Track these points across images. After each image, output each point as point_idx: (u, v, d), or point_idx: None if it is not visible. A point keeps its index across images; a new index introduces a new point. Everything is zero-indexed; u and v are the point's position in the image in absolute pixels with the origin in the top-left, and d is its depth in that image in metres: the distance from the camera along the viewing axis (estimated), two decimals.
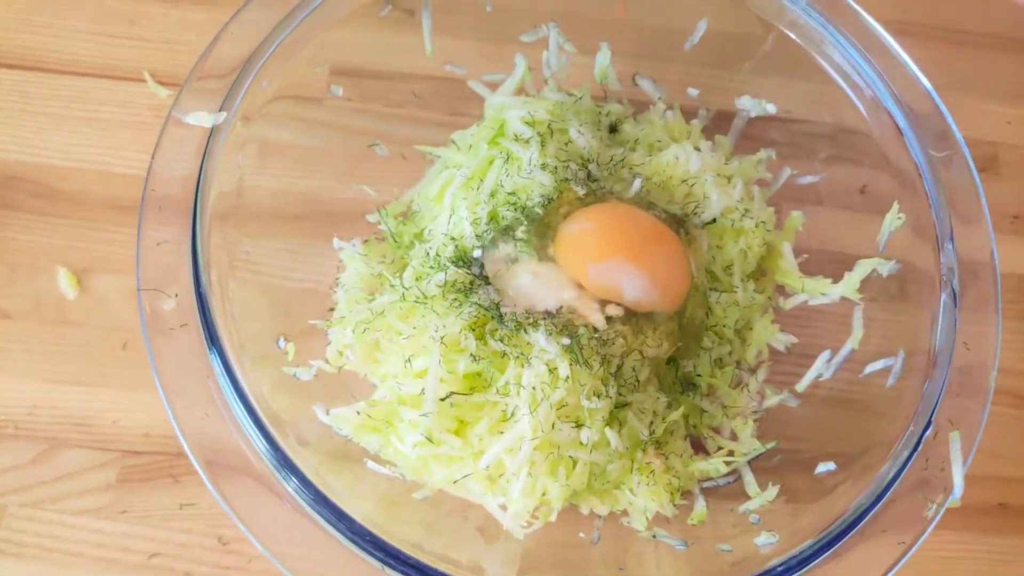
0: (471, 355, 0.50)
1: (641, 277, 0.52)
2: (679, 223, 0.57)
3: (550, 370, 0.49)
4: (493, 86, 0.63)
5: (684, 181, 0.58)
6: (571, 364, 0.49)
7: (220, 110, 0.51)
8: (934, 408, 0.45)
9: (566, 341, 0.50)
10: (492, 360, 0.50)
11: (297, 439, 0.47)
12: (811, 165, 0.63)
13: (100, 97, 0.67)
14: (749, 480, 0.52)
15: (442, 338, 0.49)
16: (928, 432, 0.45)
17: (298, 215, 0.61)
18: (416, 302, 0.52)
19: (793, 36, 0.59)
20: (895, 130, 0.56)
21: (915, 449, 0.44)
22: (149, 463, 0.57)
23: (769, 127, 0.63)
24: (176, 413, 0.43)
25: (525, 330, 0.50)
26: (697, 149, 0.60)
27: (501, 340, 0.50)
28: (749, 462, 0.53)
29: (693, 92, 0.64)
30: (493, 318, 0.51)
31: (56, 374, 0.58)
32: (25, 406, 0.57)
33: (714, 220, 0.57)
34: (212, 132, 0.50)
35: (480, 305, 0.51)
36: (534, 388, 0.49)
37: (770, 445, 0.53)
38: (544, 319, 0.51)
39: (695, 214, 0.57)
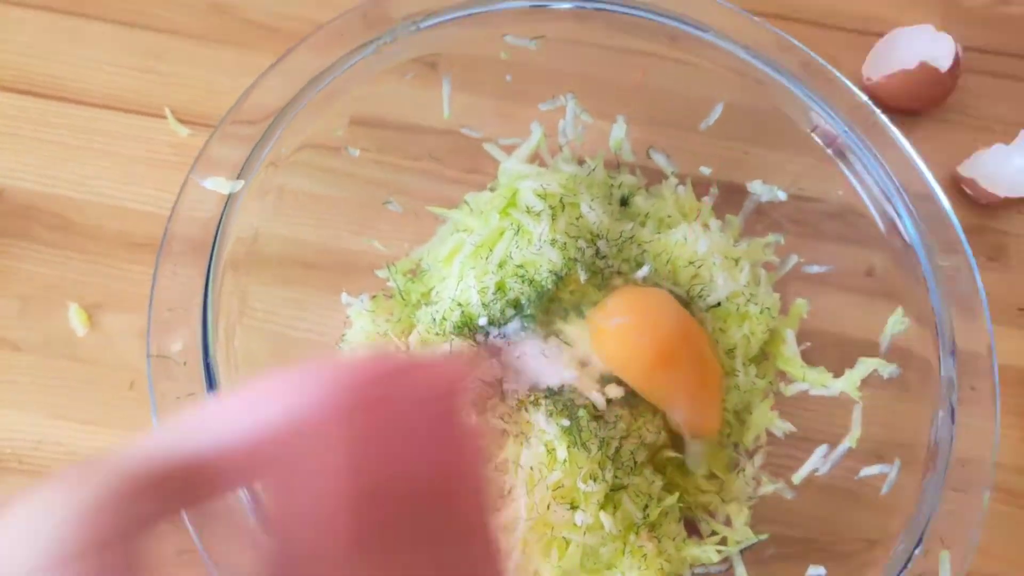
0: None
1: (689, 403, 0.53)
2: (684, 305, 0.58)
3: (548, 451, 0.50)
4: (509, 149, 0.64)
5: (691, 263, 0.58)
6: (569, 447, 0.50)
7: (248, 160, 0.52)
8: (924, 527, 0.46)
9: (565, 423, 0.50)
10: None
11: None
12: (819, 246, 0.63)
13: (120, 131, 0.67)
14: (740, 572, 0.53)
15: None
16: (918, 549, 0.45)
17: (308, 264, 0.62)
18: None
19: (791, 116, 0.60)
20: (895, 219, 0.57)
21: (905, 566, 0.45)
22: None
23: (778, 205, 0.63)
24: None
25: (526, 408, 0.51)
26: (706, 227, 0.61)
27: (501, 418, 0.51)
28: (741, 552, 0.54)
29: (705, 170, 0.64)
30: (495, 395, 0.51)
31: (62, 410, 0.59)
32: (30, 441, 0.58)
33: (719, 304, 0.58)
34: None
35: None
36: (532, 468, 0.49)
37: (763, 537, 0.54)
38: (546, 398, 0.52)
39: (701, 296, 0.58)
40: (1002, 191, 0.69)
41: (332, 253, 0.63)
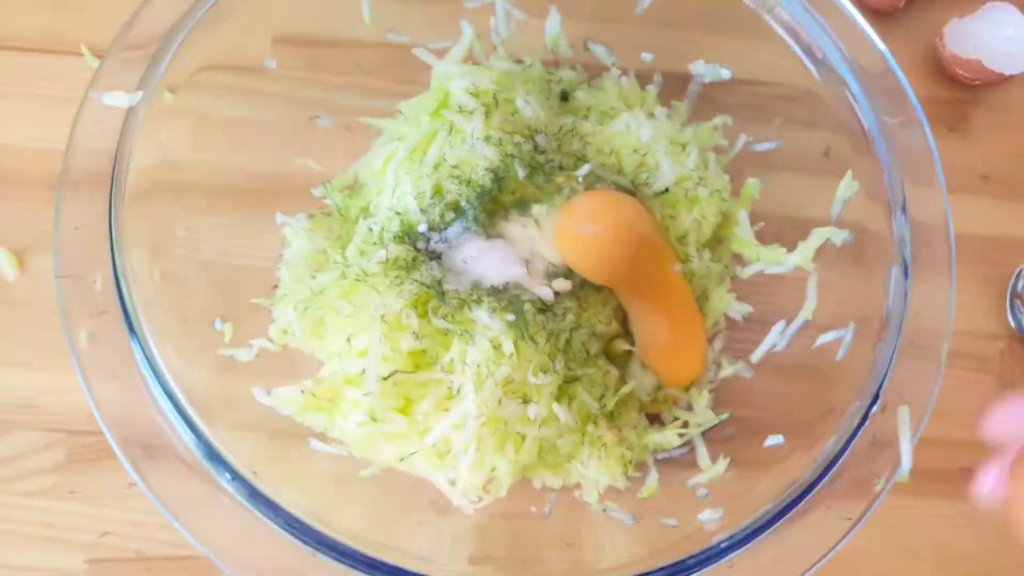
0: (413, 333, 0.48)
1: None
2: (630, 193, 0.56)
3: (494, 347, 0.48)
4: (441, 54, 0.61)
5: (635, 151, 0.56)
6: (516, 340, 0.48)
7: (141, 82, 0.49)
8: (881, 383, 0.44)
9: (511, 317, 0.49)
10: (436, 338, 0.49)
11: (235, 423, 0.46)
12: (769, 129, 0.61)
13: (37, 72, 0.64)
14: (702, 453, 0.52)
15: (382, 316, 0.48)
16: (875, 407, 0.44)
17: (240, 190, 0.59)
18: (357, 280, 0.50)
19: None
20: (846, 93, 0.54)
21: (862, 423, 0.44)
22: (96, 443, 0.56)
23: (727, 90, 0.61)
24: (99, 402, 0.43)
25: (469, 307, 0.49)
26: (652, 116, 0.59)
27: (444, 318, 0.49)
28: (703, 433, 0.53)
29: (647, 57, 0.61)
30: (436, 295, 0.49)
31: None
32: None
33: (667, 190, 0.56)
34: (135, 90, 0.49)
35: (421, 282, 0.50)
36: (478, 365, 0.48)
37: (723, 416, 0.53)
38: (489, 295, 0.50)
39: (647, 184, 0.56)
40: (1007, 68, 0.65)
41: (264, 176, 0.60)
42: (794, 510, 0.42)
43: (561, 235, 0.53)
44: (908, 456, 0.44)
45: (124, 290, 0.45)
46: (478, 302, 0.49)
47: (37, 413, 0.56)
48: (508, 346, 0.48)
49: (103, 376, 0.44)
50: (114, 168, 0.48)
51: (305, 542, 0.41)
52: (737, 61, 0.61)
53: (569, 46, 0.62)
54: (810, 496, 0.43)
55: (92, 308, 0.44)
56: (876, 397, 0.44)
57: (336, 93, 0.63)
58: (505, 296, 0.50)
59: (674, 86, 0.63)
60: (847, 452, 0.43)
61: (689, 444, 0.53)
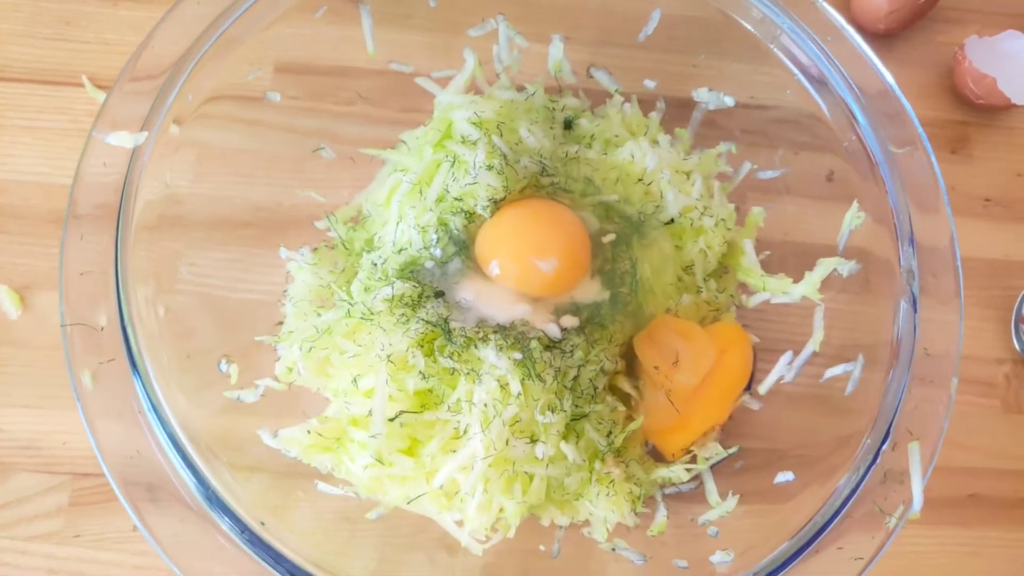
0: (420, 373, 0.48)
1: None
2: (635, 226, 0.55)
3: (501, 386, 0.48)
4: (443, 82, 0.61)
5: (640, 180, 0.56)
6: (523, 379, 0.48)
7: (148, 116, 0.49)
8: (891, 419, 0.44)
9: (517, 356, 0.48)
10: (442, 377, 0.49)
11: (240, 463, 0.45)
12: (774, 154, 0.61)
13: (39, 104, 0.64)
14: (711, 489, 0.51)
15: (389, 356, 0.48)
16: (887, 444, 0.44)
17: (243, 222, 0.59)
18: (362, 318, 0.50)
19: (743, 22, 0.57)
20: (849, 117, 0.54)
21: (873, 461, 0.43)
22: (101, 485, 0.55)
23: (729, 115, 0.61)
24: (101, 443, 0.42)
25: (475, 345, 0.49)
26: (655, 143, 0.58)
27: (451, 356, 0.49)
28: (711, 467, 0.52)
29: (650, 84, 0.61)
30: (442, 334, 0.49)
31: (3, 397, 0.56)
32: None
33: (672, 220, 0.55)
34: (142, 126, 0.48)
35: (427, 321, 0.49)
36: (485, 405, 0.47)
37: (732, 450, 0.52)
38: (495, 333, 0.50)
39: (654, 215, 0.56)
40: (1017, 97, 0.65)
41: (267, 209, 0.60)
42: (804, 554, 0.42)
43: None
44: (920, 495, 0.43)
45: (128, 329, 0.45)
46: (484, 340, 0.49)
47: (40, 455, 0.55)
48: (515, 385, 0.47)
49: (106, 416, 0.44)
50: (121, 203, 0.48)
51: None
52: (740, 85, 0.61)
53: (572, 72, 0.62)
54: (821, 538, 0.42)
55: (98, 353, 0.44)
56: (887, 434, 0.44)
57: (338, 122, 0.62)
58: (511, 333, 0.50)
59: (677, 112, 0.63)
60: (858, 492, 0.43)
61: (697, 479, 0.53)
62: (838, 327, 0.54)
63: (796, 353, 0.53)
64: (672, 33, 0.61)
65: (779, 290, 0.55)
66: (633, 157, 0.57)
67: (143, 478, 0.43)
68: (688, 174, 0.57)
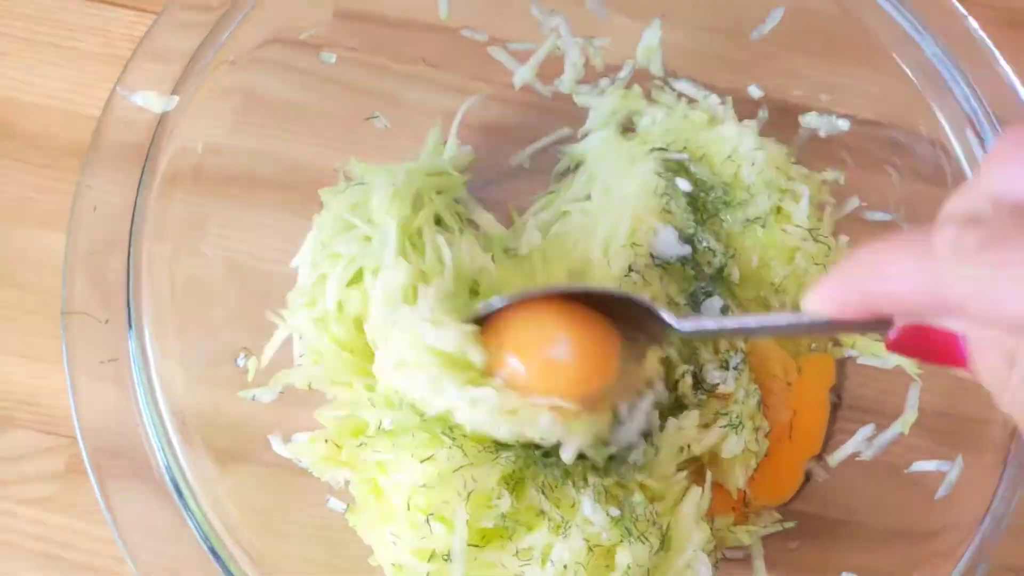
0: (502, 515, 0.40)
1: None
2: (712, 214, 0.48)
3: (589, 548, 0.40)
4: (522, 56, 0.54)
5: (730, 158, 0.50)
6: (621, 540, 0.40)
7: (199, 48, 0.45)
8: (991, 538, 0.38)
9: (615, 512, 0.40)
10: (523, 513, 0.41)
11: (227, 454, 0.42)
12: (884, 180, 0.53)
13: (71, 21, 0.58)
14: (759, 566, 0.45)
15: (470, 493, 0.39)
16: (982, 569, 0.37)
17: (282, 184, 0.53)
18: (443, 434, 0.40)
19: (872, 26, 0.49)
20: (981, 148, 0.47)
21: None
22: None
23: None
24: (79, 400, 0.40)
25: (573, 482, 0.41)
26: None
27: (542, 490, 0.40)
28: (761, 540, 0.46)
29: (756, 91, 0.53)
30: (536, 463, 0.41)
31: (3, 344, 0.52)
32: None
33: (762, 221, 0.49)
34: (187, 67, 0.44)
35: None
36: (565, 567, 0.39)
37: (789, 525, 0.46)
38: (593, 469, 0.41)
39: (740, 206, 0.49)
40: None
41: (311, 170, 0.54)
42: None
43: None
44: None
45: (133, 287, 0.42)
46: (584, 480, 0.41)
47: (39, 412, 0.51)
48: (624, 556, 0.39)
49: (94, 376, 0.41)
50: (150, 145, 0.44)
51: None
52: (854, 99, 0.53)
53: (662, 65, 0.54)
54: None
55: (104, 307, 0.41)
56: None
57: (397, 83, 0.56)
58: (615, 470, 0.42)
59: (779, 119, 0.55)
60: None
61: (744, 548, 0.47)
62: (933, 413, 0.47)
63: (879, 427, 0.46)
64: (786, 35, 0.53)
65: (869, 352, 0.48)
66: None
67: (121, 451, 0.40)
68: (789, 176, 0.50)
